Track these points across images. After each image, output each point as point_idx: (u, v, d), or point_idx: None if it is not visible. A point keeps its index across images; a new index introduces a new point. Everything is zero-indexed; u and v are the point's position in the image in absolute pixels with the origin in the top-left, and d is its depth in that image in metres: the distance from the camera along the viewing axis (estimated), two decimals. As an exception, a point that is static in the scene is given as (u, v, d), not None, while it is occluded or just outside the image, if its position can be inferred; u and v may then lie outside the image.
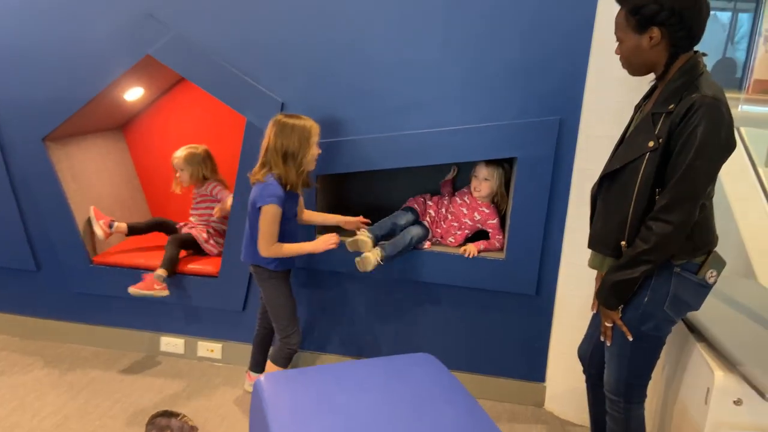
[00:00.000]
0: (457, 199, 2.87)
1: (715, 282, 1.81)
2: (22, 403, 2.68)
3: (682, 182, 1.65)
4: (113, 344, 3.21)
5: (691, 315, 2.17)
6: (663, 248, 1.70)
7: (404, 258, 2.75)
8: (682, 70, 1.72)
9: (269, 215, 2.38)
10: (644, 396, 1.97)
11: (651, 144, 1.71)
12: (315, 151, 2.46)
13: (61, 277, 3.16)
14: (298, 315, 2.65)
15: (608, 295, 1.82)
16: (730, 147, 1.67)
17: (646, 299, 1.80)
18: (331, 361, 3.05)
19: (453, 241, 2.84)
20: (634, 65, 1.80)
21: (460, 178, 3.03)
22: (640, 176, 1.73)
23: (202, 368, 3.08)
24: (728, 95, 1.72)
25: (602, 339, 1.94)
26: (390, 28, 2.58)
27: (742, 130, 3.37)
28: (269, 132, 2.43)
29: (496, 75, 2.55)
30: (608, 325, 1.89)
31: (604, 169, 1.88)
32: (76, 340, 3.24)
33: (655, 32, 1.69)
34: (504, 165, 2.81)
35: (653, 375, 1.94)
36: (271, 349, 2.68)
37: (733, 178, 3.13)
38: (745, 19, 5.36)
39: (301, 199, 2.64)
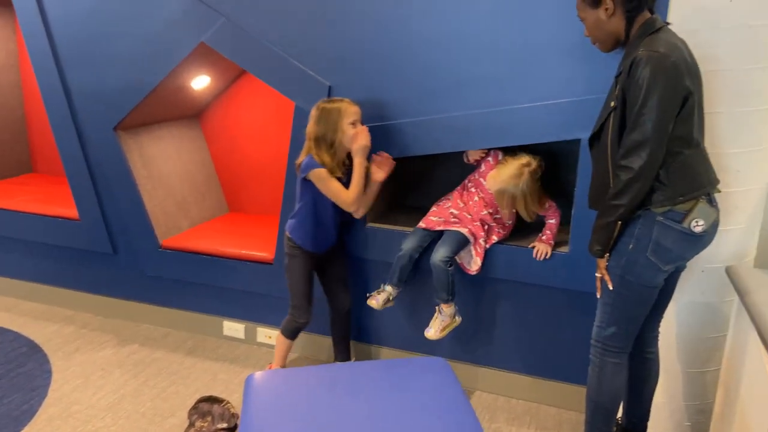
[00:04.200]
0: (474, 196, 2.62)
1: (703, 231, 1.85)
2: (87, 381, 2.82)
3: (633, 131, 1.79)
4: (182, 326, 3.31)
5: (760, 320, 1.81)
6: (629, 192, 1.81)
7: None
8: (638, 33, 1.85)
9: (321, 178, 2.43)
10: (623, 349, 2.02)
11: (612, 104, 1.88)
12: (350, 131, 2.44)
13: (135, 260, 3.30)
14: (315, 297, 2.70)
15: (592, 242, 1.96)
16: (675, 93, 1.75)
17: (630, 247, 1.89)
18: (387, 354, 2.94)
19: (495, 238, 2.60)
20: (601, 39, 1.94)
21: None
22: (609, 134, 1.88)
23: (260, 354, 3.09)
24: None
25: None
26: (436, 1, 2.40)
27: None
28: (310, 118, 2.49)
29: (559, 46, 2.28)
30: (598, 275, 1.99)
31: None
32: (150, 321, 3.38)
33: (608, 2, 1.84)
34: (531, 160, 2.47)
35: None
36: (284, 320, 2.72)
37: None
38: None
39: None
